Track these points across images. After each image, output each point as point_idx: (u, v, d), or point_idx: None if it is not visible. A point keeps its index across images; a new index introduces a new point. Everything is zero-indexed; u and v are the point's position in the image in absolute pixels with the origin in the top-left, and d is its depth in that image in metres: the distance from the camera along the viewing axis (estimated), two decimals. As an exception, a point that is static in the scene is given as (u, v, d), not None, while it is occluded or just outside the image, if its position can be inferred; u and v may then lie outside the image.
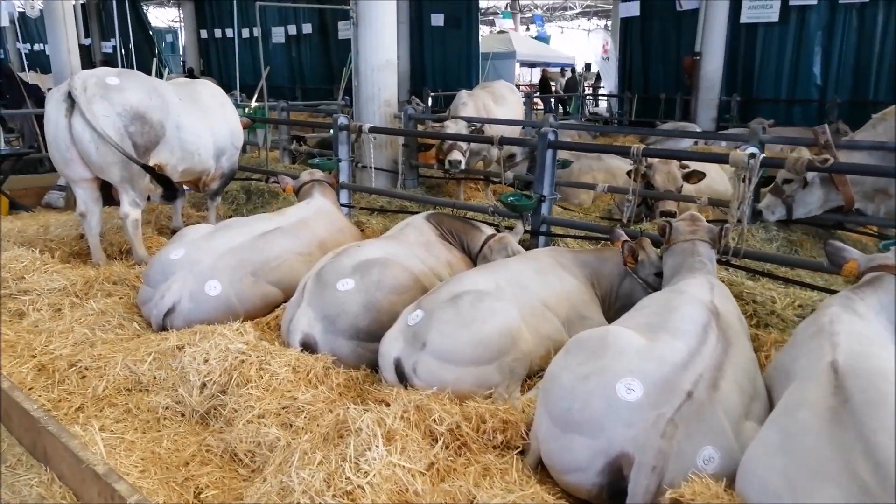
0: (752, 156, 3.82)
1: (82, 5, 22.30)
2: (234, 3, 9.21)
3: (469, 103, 7.51)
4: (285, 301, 4.20)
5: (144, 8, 28.38)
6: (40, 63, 22.78)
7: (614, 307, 3.93)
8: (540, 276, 3.62)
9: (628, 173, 6.28)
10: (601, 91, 22.46)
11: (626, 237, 3.98)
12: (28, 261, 4.84)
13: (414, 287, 3.62)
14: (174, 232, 6.32)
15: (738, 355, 2.68)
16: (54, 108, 4.80)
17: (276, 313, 4.03)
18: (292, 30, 22.28)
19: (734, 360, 2.62)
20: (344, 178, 6.08)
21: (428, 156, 8.21)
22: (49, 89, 11.28)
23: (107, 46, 25.59)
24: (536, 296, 3.47)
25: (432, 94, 16.53)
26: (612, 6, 34.66)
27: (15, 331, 4.05)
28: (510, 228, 4.93)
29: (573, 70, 22.81)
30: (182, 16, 26.78)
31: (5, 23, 15.57)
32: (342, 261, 3.67)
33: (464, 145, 6.60)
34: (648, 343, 2.59)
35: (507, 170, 7.18)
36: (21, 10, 14.27)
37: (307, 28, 21.85)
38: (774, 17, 12.96)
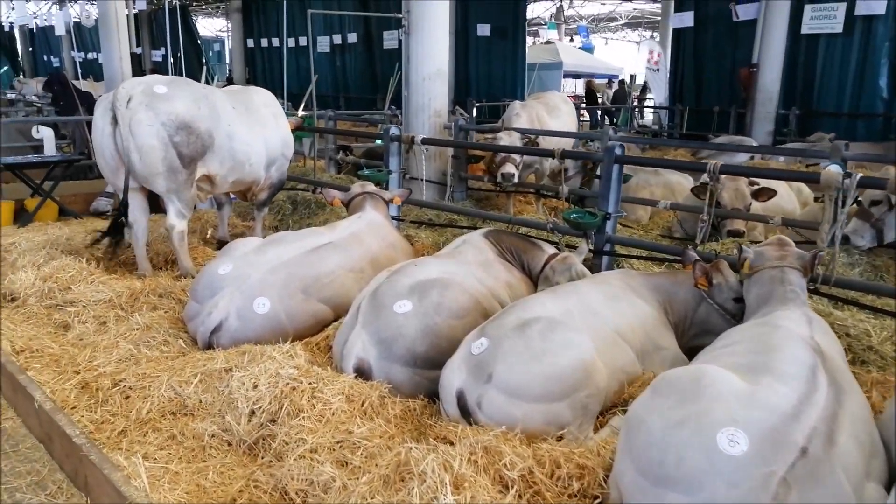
0: (848, 174, 3.47)
1: (134, 15, 22.81)
2: (284, 12, 9.13)
3: (522, 114, 7.27)
4: (335, 320, 4.01)
5: (193, 18, 28.99)
6: (93, 71, 23.34)
7: (688, 334, 3.63)
8: (612, 301, 3.34)
9: (693, 190, 5.95)
10: (647, 102, 21.99)
11: (699, 259, 3.68)
12: (75, 270, 4.76)
13: (474, 310, 3.38)
14: (220, 242, 6.21)
15: (853, 404, 2.36)
16: (101, 117, 4.74)
17: (326, 333, 3.83)
18: (337, 39, 22.40)
19: (849, 410, 2.30)
20: (371, 184, 5.86)
21: (476, 167, 7.99)
22: (101, 96, 11.46)
23: (156, 55, 26.17)
24: (609, 324, 3.19)
25: (477, 104, 16.35)
26: (659, 17, 34.15)
27: (59, 344, 3.95)
28: (571, 247, 4.66)
29: (622, 82, 22.35)
30: (230, 25, 27.21)
31: (61, 32, 16.00)
32: (399, 280, 3.45)
33: (517, 158, 6.35)
34: (750, 387, 2.28)
35: (559, 183, 6.92)
36: (77, 19, 14.56)
37: (352, 37, 21.94)
38: (838, 28, 12.42)
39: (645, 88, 27.18)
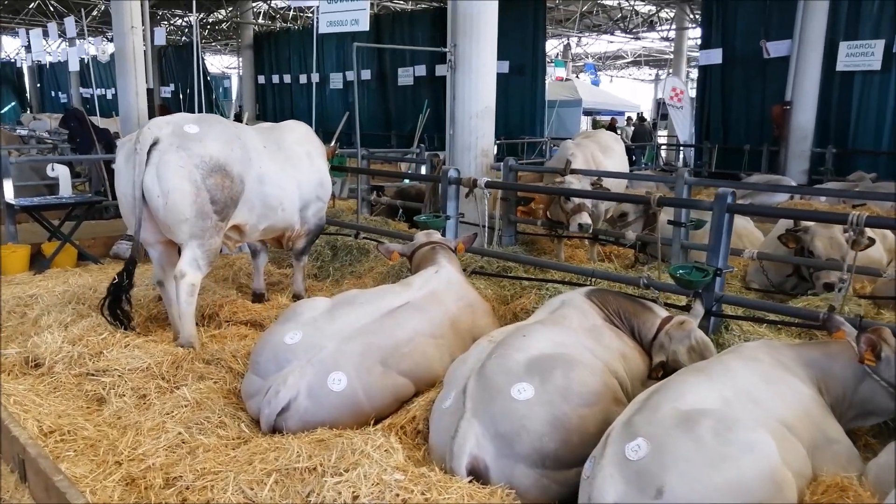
0: None
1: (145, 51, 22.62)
2: (315, 47, 8.75)
3: (578, 155, 6.78)
4: (416, 395, 3.45)
5: (203, 55, 28.93)
6: (100, 107, 23.07)
7: (846, 417, 3.06)
8: (769, 384, 2.77)
9: (781, 238, 5.45)
10: (661, 140, 21.66)
11: (848, 326, 3.14)
12: (107, 332, 4.18)
13: (605, 395, 2.81)
14: (255, 295, 5.64)
15: None
16: (124, 162, 4.12)
17: (411, 413, 3.25)
18: (350, 75, 22.16)
19: None
20: (451, 236, 5.35)
21: (520, 209, 7.52)
22: (116, 133, 11.03)
23: (165, 91, 26.00)
24: (774, 414, 2.62)
25: (496, 142, 15.98)
26: (667, 56, 34.21)
27: (95, 423, 3.37)
28: (669, 305, 4.12)
29: (641, 119, 22.08)
30: (241, 62, 27.12)
31: (75, 68, 15.69)
32: (510, 356, 2.89)
33: (589, 203, 5.83)
34: None
35: (622, 229, 6.42)
36: (94, 54, 14.26)
37: (366, 74, 21.74)
38: (876, 65, 12.11)
39: (654, 126, 27.01)
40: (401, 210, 8.20)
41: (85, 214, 7.13)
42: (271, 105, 25.81)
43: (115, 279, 4.13)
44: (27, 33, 14.81)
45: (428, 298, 3.75)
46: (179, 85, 27.05)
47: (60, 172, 8.77)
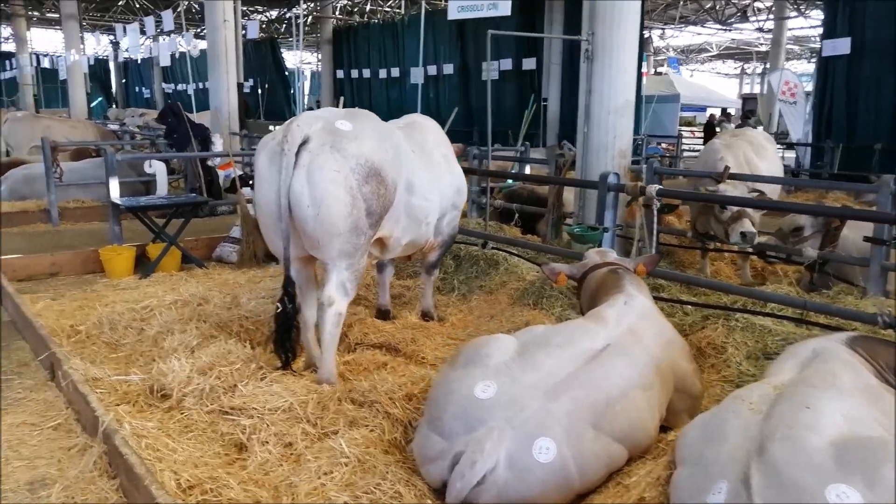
0: None
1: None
2: (421, 41, 8.12)
3: (728, 157, 5.93)
4: (626, 463, 2.75)
5: (280, 51, 28.96)
6: (185, 103, 23.36)
7: None
8: None
9: None
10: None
11: None
12: (240, 361, 3.64)
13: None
14: (380, 311, 5.05)
15: None
16: (267, 164, 3.53)
17: (633, 493, 2.53)
18: (432, 70, 21.61)
19: None
20: (613, 252, 4.61)
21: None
22: (207, 127, 10.73)
23: (245, 87, 26.12)
24: None
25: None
26: (756, 48, 32.33)
27: (239, 479, 2.80)
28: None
29: (745, 116, 20.69)
30: (320, 56, 27.03)
31: (166, 62, 15.71)
32: (803, 439, 2.14)
33: (754, 213, 5.01)
34: None
35: (796, 245, 5.54)
36: (183, 50, 14.16)
37: (448, 69, 21.17)
38: None
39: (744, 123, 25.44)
40: (517, 215, 7.52)
41: (193, 214, 6.74)
42: (349, 100, 25.58)
43: (278, 307, 3.53)
44: (124, 29, 14.86)
45: (628, 338, 3.03)
46: (258, 80, 27.16)
47: (158, 169, 8.50)
